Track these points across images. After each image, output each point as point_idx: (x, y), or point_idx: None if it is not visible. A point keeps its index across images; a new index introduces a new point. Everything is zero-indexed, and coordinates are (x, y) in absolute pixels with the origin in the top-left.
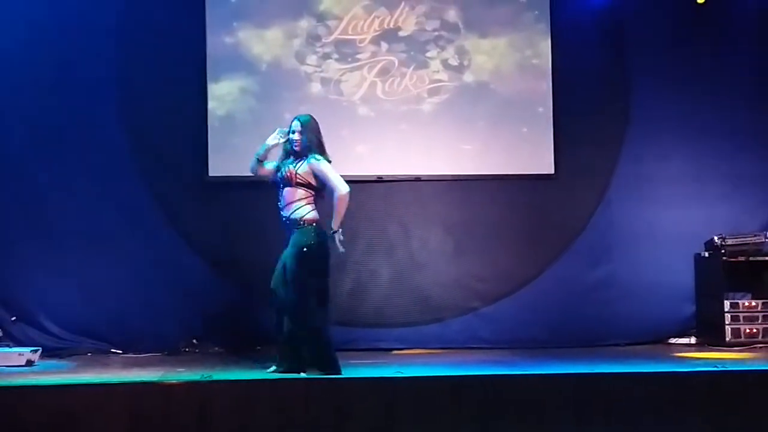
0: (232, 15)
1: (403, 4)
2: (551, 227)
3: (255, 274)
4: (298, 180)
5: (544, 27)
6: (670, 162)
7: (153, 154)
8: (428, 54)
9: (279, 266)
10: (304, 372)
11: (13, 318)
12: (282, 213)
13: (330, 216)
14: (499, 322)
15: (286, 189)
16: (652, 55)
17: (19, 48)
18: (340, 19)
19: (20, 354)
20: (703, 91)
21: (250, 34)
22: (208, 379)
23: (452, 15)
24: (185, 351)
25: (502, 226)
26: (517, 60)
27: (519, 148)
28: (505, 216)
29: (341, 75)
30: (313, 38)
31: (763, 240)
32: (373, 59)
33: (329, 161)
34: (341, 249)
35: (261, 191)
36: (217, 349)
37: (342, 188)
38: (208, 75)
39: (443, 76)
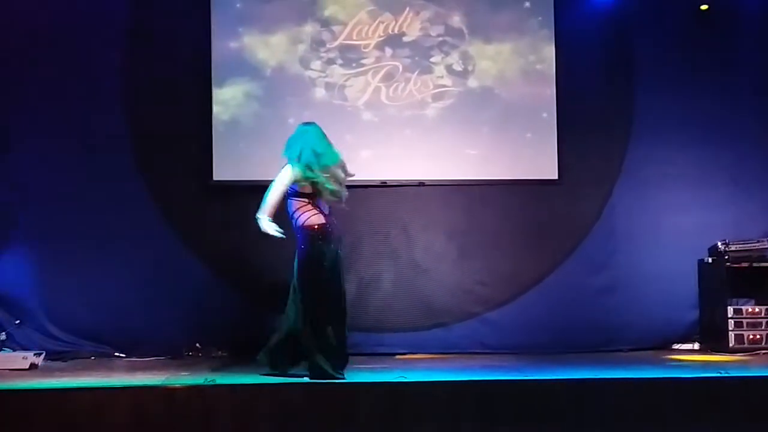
0: (237, 20)
1: (407, 9)
2: (555, 232)
3: (259, 278)
4: (288, 192)
5: (548, 33)
6: (674, 168)
7: (158, 158)
8: (432, 59)
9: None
10: (285, 374)
11: (17, 321)
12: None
13: (339, 220)
14: (503, 327)
15: (287, 203)
16: (655, 61)
17: (24, 52)
18: (344, 24)
19: (24, 357)
20: (706, 97)
21: (255, 40)
22: (211, 383)
23: (456, 20)
24: (188, 355)
25: (506, 231)
26: (521, 65)
27: (523, 154)
28: (509, 221)
29: (345, 80)
30: (317, 43)
31: (767, 246)
32: (377, 64)
33: (312, 170)
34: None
35: None
36: (220, 353)
37: (259, 212)
38: (213, 80)
39: (447, 81)
